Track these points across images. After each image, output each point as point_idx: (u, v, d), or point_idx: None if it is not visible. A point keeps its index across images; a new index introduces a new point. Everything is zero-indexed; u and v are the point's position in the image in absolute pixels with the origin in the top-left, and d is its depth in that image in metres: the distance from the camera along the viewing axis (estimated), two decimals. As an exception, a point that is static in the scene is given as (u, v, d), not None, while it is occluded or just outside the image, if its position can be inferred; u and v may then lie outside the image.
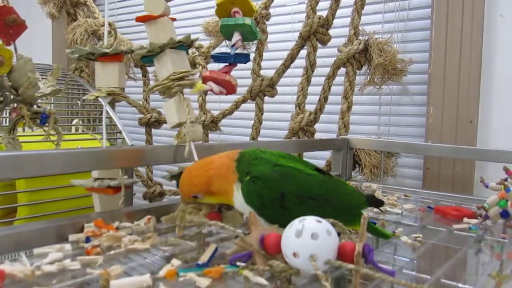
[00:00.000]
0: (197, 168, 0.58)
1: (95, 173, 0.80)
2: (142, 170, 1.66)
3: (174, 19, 0.77)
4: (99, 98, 0.82)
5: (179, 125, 0.75)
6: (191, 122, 0.74)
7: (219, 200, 0.58)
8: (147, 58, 0.77)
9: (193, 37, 0.76)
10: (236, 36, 0.74)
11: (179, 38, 0.75)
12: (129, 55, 1.25)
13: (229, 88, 0.75)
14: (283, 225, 0.52)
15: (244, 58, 0.79)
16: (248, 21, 0.73)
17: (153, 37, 0.75)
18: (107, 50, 0.77)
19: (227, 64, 0.79)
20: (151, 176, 1.63)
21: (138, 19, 0.75)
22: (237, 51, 0.77)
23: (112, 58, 0.78)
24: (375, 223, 0.65)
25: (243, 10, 0.75)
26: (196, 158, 0.71)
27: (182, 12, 1.81)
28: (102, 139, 0.84)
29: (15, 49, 0.82)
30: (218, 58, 0.79)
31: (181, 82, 0.72)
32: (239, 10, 0.74)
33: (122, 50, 0.79)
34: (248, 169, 0.54)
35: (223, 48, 1.51)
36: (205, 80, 0.74)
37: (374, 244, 0.62)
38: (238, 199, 0.55)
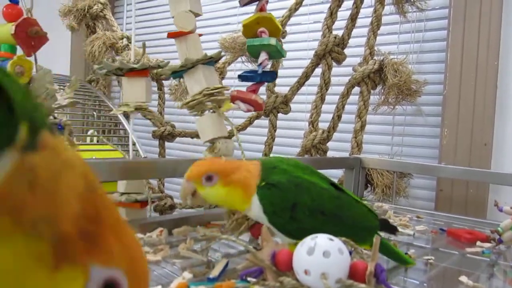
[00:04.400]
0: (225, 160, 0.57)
1: (121, 188, 0.82)
2: (153, 182, 1.67)
3: (200, 35, 0.78)
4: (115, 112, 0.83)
5: (212, 140, 0.76)
6: (224, 138, 0.75)
7: (229, 198, 0.54)
8: (178, 73, 0.78)
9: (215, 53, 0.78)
10: (263, 56, 0.75)
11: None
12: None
13: (257, 106, 0.76)
14: (291, 234, 0.52)
15: (271, 76, 0.80)
16: (273, 41, 0.74)
17: (183, 52, 0.76)
18: (135, 66, 0.79)
19: (254, 82, 0.80)
20: (163, 189, 1.64)
21: (170, 35, 0.76)
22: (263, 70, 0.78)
23: (140, 74, 0.80)
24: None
25: (269, 30, 0.76)
26: None
27: (198, 28, 1.83)
28: (127, 151, 0.85)
29: (35, 60, 0.83)
30: (245, 77, 0.80)
31: (213, 98, 0.73)
32: (265, 30, 0.75)
33: (149, 66, 0.80)
34: (265, 176, 0.54)
35: (239, 64, 1.53)
36: (233, 99, 0.75)
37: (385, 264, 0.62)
38: (254, 207, 0.54)
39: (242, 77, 0.80)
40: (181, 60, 0.75)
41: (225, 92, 0.75)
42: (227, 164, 0.55)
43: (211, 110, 0.75)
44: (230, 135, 0.78)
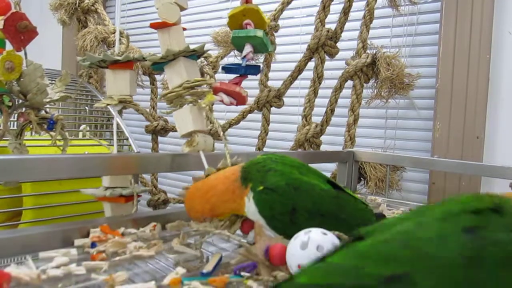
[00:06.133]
0: (199, 194, 0.58)
1: (105, 182, 0.80)
2: (147, 177, 1.66)
3: (185, 29, 0.77)
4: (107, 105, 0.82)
5: (190, 134, 0.75)
6: (203, 133, 0.74)
7: (228, 215, 0.60)
8: (158, 65, 0.77)
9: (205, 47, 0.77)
10: (247, 48, 0.75)
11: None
12: (138, 63, 1.25)
13: (240, 99, 0.75)
14: (290, 237, 0.52)
15: (255, 69, 0.79)
16: (259, 33, 0.73)
17: (165, 44, 0.75)
18: (119, 58, 0.77)
19: (238, 75, 0.79)
20: (156, 184, 1.63)
21: (153, 25, 0.75)
22: (247, 63, 0.77)
23: (124, 66, 0.78)
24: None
25: (255, 22, 0.75)
26: (206, 166, 0.71)
27: (191, 22, 1.83)
28: (109, 145, 0.84)
29: (25, 55, 0.82)
30: (229, 69, 0.79)
31: (193, 91, 0.72)
32: (251, 22, 0.74)
33: (133, 58, 0.78)
34: (262, 179, 0.54)
35: (231, 58, 1.52)
36: (215, 91, 0.74)
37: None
38: (250, 209, 0.54)
39: (226, 69, 0.79)
40: (163, 51, 0.74)
41: (207, 84, 0.74)
42: (206, 203, 0.58)
43: (190, 104, 0.73)
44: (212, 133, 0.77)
